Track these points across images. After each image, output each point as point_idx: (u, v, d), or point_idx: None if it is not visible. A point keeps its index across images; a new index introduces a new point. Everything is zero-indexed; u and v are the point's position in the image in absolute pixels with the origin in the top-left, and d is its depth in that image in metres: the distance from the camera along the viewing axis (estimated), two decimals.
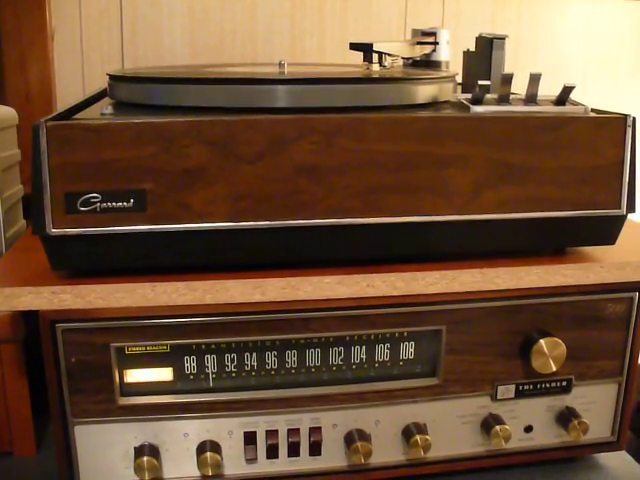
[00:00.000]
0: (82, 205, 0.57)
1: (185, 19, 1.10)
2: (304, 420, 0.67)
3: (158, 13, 1.09)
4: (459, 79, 0.83)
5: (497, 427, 0.69)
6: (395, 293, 0.64)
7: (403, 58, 0.84)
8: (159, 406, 0.64)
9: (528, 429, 0.72)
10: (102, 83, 0.75)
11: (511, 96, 0.67)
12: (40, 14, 1.02)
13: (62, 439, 0.64)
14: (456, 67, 0.87)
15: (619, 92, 1.33)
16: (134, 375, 0.64)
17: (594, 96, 1.29)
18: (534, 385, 0.70)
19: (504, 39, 0.79)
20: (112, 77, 0.71)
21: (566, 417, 0.71)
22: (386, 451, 0.69)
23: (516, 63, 1.23)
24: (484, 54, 0.79)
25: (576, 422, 0.70)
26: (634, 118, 0.65)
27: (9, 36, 1.02)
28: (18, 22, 1.01)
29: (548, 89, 0.69)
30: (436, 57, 0.88)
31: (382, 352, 0.67)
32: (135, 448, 0.65)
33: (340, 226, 0.61)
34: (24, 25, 1.02)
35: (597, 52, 1.31)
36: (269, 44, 1.14)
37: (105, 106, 0.62)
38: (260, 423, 0.66)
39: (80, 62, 1.08)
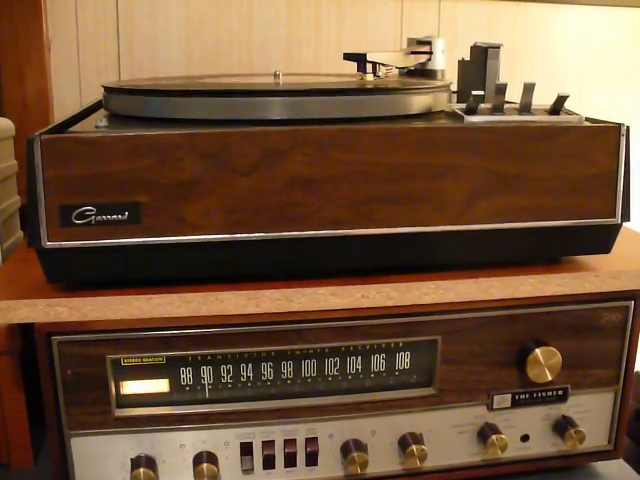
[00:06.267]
0: (77, 218, 0.57)
1: (181, 29, 1.11)
2: (300, 430, 0.67)
3: (154, 24, 1.10)
4: (454, 87, 0.83)
5: (493, 436, 0.69)
6: (390, 304, 0.64)
7: (398, 68, 0.84)
8: (155, 417, 0.64)
9: (524, 438, 0.72)
10: (99, 94, 0.75)
11: (506, 105, 0.67)
12: (37, 25, 1.02)
13: (59, 451, 0.64)
14: (452, 74, 0.87)
15: (615, 99, 1.34)
16: (130, 387, 0.64)
17: (590, 104, 1.29)
18: (530, 394, 0.70)
19: (499, 48, 0.79)
20: (107, 89, 0.71)
21: (562, 426, 0.71)
22: (382, 461, 0.69)
23: (512, 70, 1.24)
24: (479, 63, 0.79)
25: (572, 431, 0.70)
26: (628, 127, 0.65)
27: (6, 47, 1.02)
28: (15, 33, 1.02)
29: (545, 97, 0.69)
30: (431, 66, 0.88)
31: (377, 362, 0.67)
32: (132, 459, 0.65)
33: (334, 237, 0.61)
34: (21, 36, 1.02)
35: (593, 59, 1.32)
36: (265, 53, 1.14)
37: (100, 118, 0.63)
38: (256, 434, 0.66)
39: (77, 73, 1.09)
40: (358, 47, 1.17)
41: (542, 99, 0.68)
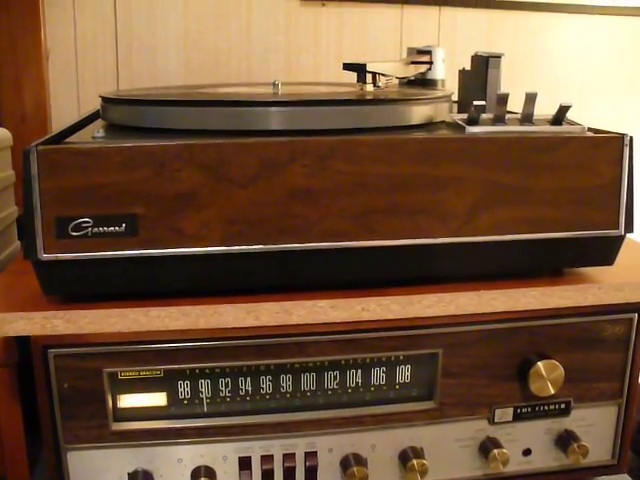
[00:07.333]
0: (73, 230, 0.57)
1: (180, 39, 1.10)
2: (299, 445, 0.66)
3: (153, 33, 1.09)
4: (455, 97, 0.82)
5: (495, 451, 0.68)
6: (390, 316, 0.63)
7: (398, 78, 0.83)
8: (153, 431, 0.64)
9: (527, 452, 0.71)
10: (97, 103, 0.75)
11: (507, 115, 0.67)
12: (35, 35, 1.02)
13: (55, 465, 0.63)
14: (452, 82, 0.86)
15: (616, 108, 1.33)
16: (127, 400, 0.63)
17: (591, 112, 1.29)
18: (532, 408, 0.69)
19: (500, 57, 0.78)
20: (104, 99, 0.70)
21: (565, 440, 0.70)
22: (382, 476, 0.68)
23: (512, 79, 1.23)
24: (480, 73, 0.79)
25: (575, 445, 0.69)
26: (631, 137, 0.64)
27: (4, 57, 1.02)
28: (13, 43, 1.01)
29: (545, 106, 0.68)
30: (432, 75, 0.87)
31: (378, 376, 0.66)
32: (129, 474, 0.64)
33: (334, 249, 0.61)
34: (19, 46, 1.02)
35: (594, 68, 1.31)
36: (264, 62, 1.14)
37: (97, 129, 0.62)
38: (255, 448, 0.65)
39: (75, 83, 1.08)
40: (358, 56, 1.16)
41: (542, 108, 0.67)
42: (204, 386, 0.64)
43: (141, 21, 1.09)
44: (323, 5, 1.14)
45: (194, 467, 0.65)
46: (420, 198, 0.61)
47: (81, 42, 1.07)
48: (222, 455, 0.65)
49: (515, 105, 0.70)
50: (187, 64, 1.11)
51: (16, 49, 1.02)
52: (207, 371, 0.63)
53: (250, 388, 0.64)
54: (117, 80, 1.09)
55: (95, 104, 0.84)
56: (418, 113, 0.67)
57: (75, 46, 1.07)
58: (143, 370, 0.62)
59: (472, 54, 0.81)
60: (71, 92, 1.09)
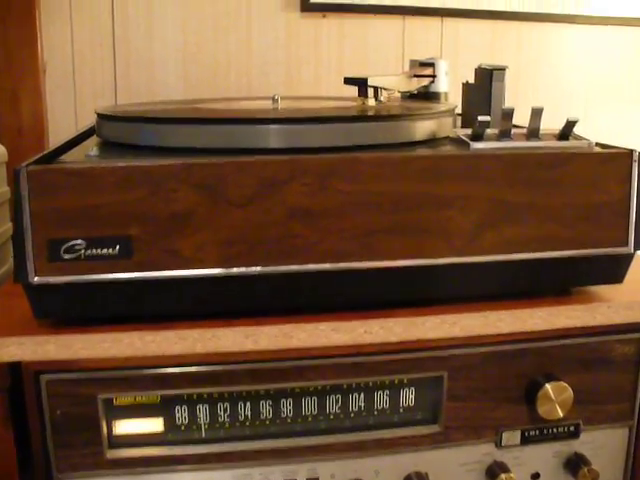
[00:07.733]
0: (66, 252, 0.55)
1: (179, 52, 1.10)
2: (301, 471, 0.64)
3: (151, 46, 1.08)
4: (458, 110, 0.81)
5: (502, 475, 0.66)
6: (393, 339, 0.61)
7: (400, 92, 0.82)
8: (149, 458, 0.62)
9: (535, 477, 0.69)
10: (94, 117, 0.73)
11: (513, 130, 0.65)
12: (32, 48, 1.01)
13: None
14: (454, 94, 0.85)
15: (622, 119, 1.32)
16: (123, 427, 0.62)
17: (597, 124, 1.27)
18: (540, 431, 0.68)
19: (504, 70, 0.77)
20: (100, 116, 0.69)
21: (575, 463, 0.68)
22: None
23: (516, 91, 1.22)
24: (484, 86, 0.77)
25: (585, 469, 0.67)
26: None
27: (0, 69, 1.00)
28: (9, 56, 1.00)
29: (549, 117, 0.67)
30: (435, 88, 0.86)
31: (381, 400, 0.64)
32: None
33: (335, 271, 0.59)
34: (15, 59, 1.01)
35: (599, 79, 1.30)
36: (264, 75, 1.13)
37: (91, 147, 0.61)
38: (255, 475, 0.64)
39: (72, 96, 1.07)
40: (359, 68, 1.15)
41: (547, 119, 0.66)
42: (202, 412, 0.62)
43: (139, 34, 1.08)
44: (324, 17, 1.13)
45: None
46: (423, 217, 0.59)
47: (78, 55, 1.06)
48: None
49: (519, 117, 0.69)
50: (186, 77, 1.10)
51: (12, 61, 1.01)
52: (205, 396, 0.62)
53: (249, 413, 0.63)
54: (115, 93, 1.08)
55: (93, 118, 0.83)
56: (421, 129, 0.65)
57: (72, 59, 1.06)
58: (139, 396, 0.61)
59: (475, 66, 0.80)
60: (68, 105, 1.08)
